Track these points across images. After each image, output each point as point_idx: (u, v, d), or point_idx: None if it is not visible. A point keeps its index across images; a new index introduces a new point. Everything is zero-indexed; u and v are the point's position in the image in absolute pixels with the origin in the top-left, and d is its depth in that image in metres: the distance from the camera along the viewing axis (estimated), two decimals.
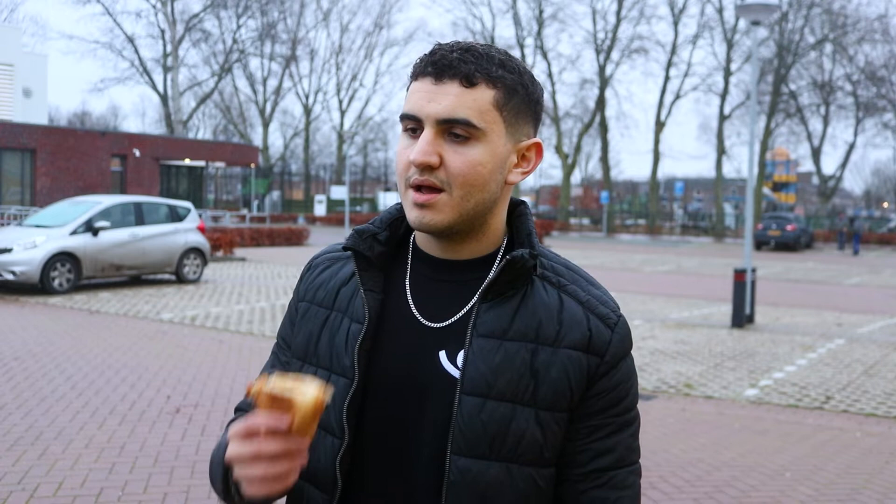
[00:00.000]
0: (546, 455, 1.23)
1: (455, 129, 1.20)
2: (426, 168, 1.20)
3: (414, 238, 1.35)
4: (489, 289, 1.24)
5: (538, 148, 1.29)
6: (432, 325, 1.27)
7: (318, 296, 1.35)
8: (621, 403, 1.27)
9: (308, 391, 1.10)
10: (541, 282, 1.28)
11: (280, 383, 1.11)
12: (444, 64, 1.20)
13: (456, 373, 1.23)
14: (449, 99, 1.19)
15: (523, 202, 1.35)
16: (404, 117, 1.23)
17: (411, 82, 1.25)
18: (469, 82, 1.20)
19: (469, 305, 1.27)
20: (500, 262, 1.26)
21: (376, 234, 1.32)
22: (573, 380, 1.23)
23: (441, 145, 1.20)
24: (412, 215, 1.23)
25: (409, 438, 1.25)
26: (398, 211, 1.35)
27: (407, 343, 1.27)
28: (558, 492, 1.27)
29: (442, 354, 1.25)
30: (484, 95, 1.20)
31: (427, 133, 1.20)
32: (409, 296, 1.30)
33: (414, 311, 1.28)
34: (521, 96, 1.24)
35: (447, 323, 1.26)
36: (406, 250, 1.35)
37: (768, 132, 48.15)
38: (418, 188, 1.21)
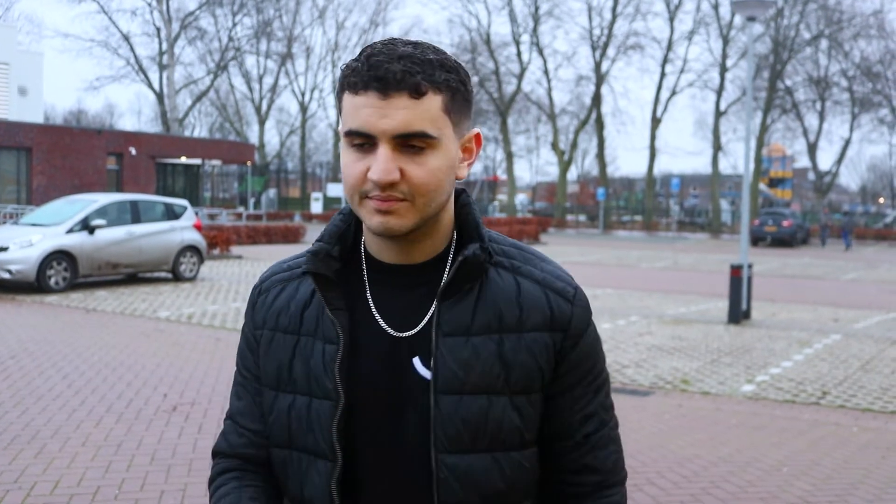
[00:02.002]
0: (526, 437, 1.27)
1: (412, 142, 1.16)
2: (388, 185, 1.16)
3: (365, 247, 1.32)
4: (446, 290, 1.24)
5: (478, 138, 1.30)
6: (402, 334, 1.27)
7: (281, 322, 1.32)
8: (593, 371, 1.32)
9: None
10: (494, 269, 1.28)
11: None
12: (389, 78, 1.14)
13: (430, 376, 1.24)
14: (401, 113, 1.15)
15: (463, 190, 1.34)
16: (353, 133, 1.17)
17: (347, 94, 1.18)
18: (418, 93, 1.15)
19: (433, 308, 1.26)
20: (454, 263, 1.25)
21: (330, 251, 1.28)
22: (541, 360, 1.26)
23: (399, 159, 1.17)
24: (375, 221, 1.19)
25: (396, 448, 1.26)
26: (343, 222, 1.32)
27: (382, 356, 1.27)
28: (558, 464, 1.32)
29: (416, 361, 1.26)
30: (433, 103, 1.17)
31: (384, 150, 1.16)
32: (373, 308, 1.29)
33: (382, 323, 1.28)
34: (461, 94, 1.22)
35: (416, 330, 1.26)
36: (358, 260, 1.32)
37: (764, 128, 48.21)
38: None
